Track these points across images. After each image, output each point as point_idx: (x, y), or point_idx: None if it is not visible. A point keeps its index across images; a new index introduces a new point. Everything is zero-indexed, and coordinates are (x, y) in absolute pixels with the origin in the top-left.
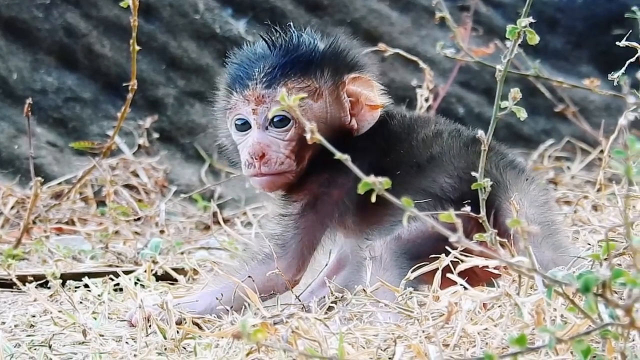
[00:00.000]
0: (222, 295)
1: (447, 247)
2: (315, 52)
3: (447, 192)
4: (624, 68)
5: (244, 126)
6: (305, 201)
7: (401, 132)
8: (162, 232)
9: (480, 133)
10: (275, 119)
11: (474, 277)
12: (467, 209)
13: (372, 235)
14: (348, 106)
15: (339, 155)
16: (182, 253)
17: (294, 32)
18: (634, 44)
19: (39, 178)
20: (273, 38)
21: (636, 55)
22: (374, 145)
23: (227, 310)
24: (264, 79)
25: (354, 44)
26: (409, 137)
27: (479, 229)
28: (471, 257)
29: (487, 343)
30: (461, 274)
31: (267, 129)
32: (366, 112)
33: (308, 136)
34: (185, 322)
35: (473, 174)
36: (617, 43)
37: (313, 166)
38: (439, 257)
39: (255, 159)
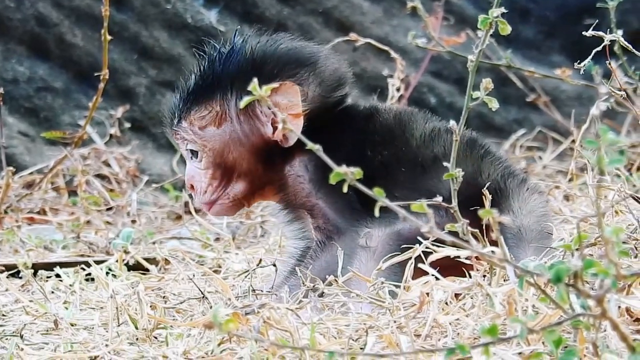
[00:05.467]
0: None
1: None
2: (217, 75)
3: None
4: (590, 57)
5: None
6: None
7: (394, 126)
8: (133, 221)
9: (452, 123)
10: (188, 150)
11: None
12: (439, 199)
13: (371, 224)
14: (267, 119)
15: (310, 145)
16: (153, 243)
17: (203, 56)
18: (600, 33)
19: (11, 168)
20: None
21: (602, 44)
22: (365, 139)
23: None
24: (173, 116)
25: (278, 49)
26: (405, 133)
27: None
28: (443, 247)
29: (458, 333)
30: (446, 272)
31: (191, 159)
32: (290, 121)
33: (280, 126)
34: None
35: (445, 164)
36: (585, 33)
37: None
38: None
39: (189, 190)
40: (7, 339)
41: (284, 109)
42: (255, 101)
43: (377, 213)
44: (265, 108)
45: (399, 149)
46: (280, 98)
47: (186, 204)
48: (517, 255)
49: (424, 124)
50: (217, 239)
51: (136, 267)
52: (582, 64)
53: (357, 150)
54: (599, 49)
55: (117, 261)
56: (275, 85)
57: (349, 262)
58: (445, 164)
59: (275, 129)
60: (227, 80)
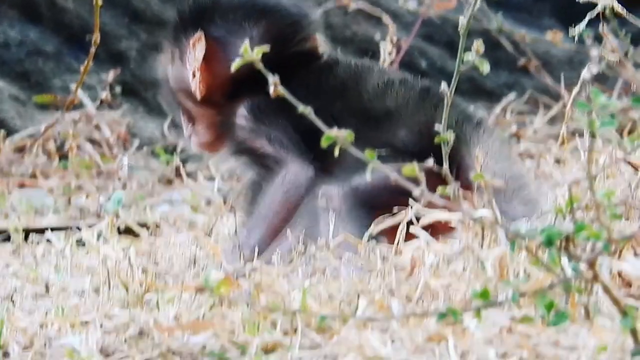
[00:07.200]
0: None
1: (403, 199)
2: (175, 19)
3: (409, 147)
4: (584, 22)
5: None
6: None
7: (348, 78)
8: (124, 186)
9: (443, 86)
10: None
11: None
12: (430, 161)
13: (328, 181)
14: (190, 68)
15: (302, 108)
16: (144, 207)
17: None
18: None
19: (2, 132)
20: None
21: (596, 9)
22: (317, 91)
23: None
24: None
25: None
26: (357, 86)
27: (440, 185)
28: (433, 210)
29: (450, 297)
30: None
31: None
32: (198, 75)
33: (271, 90)
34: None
35: (436, 127)
36: None
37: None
38: (400, 211)
39: None
40: None
41: (193, 62)
42: (185, 50)
43: (369, 177)
44: (191, 57)
45: (351, 102)
46: (197, 51)
47: (177, 168)
48: (506, 211)
49: (380, 77)
50: (208, 203)
51: (127, 231)
52: (578, 29)
53: (308, 102)
54: (594, 13)
55: (108, 225)
56: (198, 35)
57: (315, 224)
58: (440, 126)
59: (193, 79)
60: (179, 25)
